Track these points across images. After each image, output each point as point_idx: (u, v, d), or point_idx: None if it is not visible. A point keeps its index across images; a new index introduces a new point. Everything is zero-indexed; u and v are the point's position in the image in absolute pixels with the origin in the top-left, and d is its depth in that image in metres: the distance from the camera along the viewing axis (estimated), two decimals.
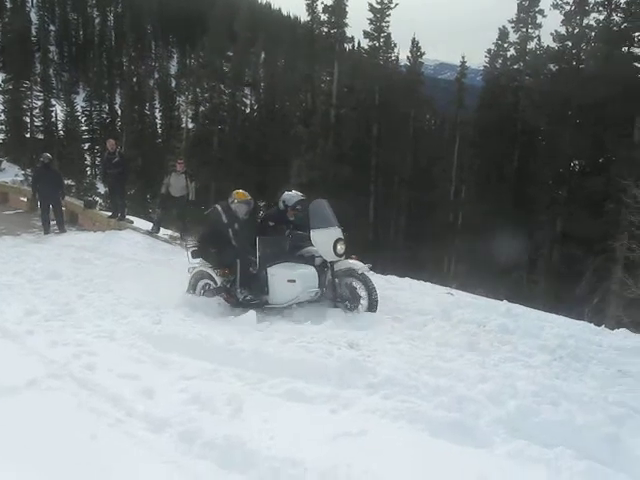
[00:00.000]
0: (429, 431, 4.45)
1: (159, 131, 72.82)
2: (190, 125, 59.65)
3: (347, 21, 45.61)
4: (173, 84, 73.73)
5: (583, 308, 16.78)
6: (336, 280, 9.09)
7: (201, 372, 5.51)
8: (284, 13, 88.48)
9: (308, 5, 49.96)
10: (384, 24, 46.52)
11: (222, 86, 52.08)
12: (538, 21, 43.91)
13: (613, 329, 10.25)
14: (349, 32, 46.66)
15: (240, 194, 9.54)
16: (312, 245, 9.24)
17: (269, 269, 8.98)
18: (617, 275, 25.01)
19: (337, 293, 9.10)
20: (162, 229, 16.73)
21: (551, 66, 42.88)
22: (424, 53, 50.53)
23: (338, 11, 45.06)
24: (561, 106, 38.48)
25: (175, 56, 77.69)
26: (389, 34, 47.05)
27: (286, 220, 9.96)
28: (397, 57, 51.07)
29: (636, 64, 37.62)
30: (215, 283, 9.29)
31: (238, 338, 6.58)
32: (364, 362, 5.91)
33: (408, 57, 50.38)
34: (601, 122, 36.12)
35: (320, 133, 43.96)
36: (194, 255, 9.68)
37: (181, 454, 3.96)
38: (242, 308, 8.77)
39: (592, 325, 10.61)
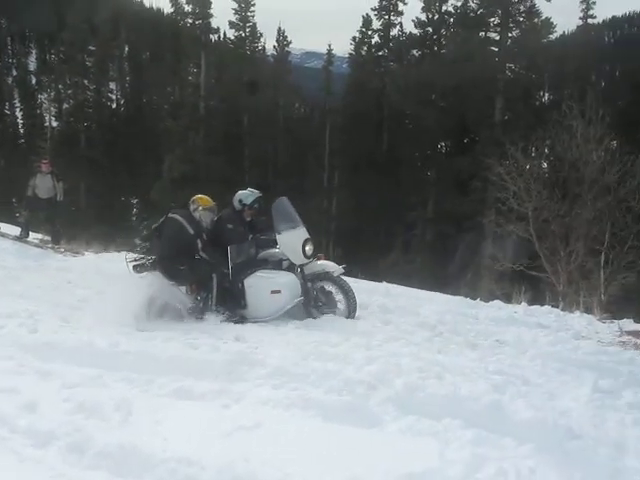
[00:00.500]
0: (322, 416, 4.47)
1: (21, 131, 69.51)
2: (54, 123, 57.13)
3: (212, 12, 45.23)
4: (33, 81, 70.49)
5: (458, 284, 17.43)
6: (309, 284, 8.28)
7: (85, 379, 5.26)
8: (146, 5, 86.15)
9: None
10: (249, 14, 46.48)
11: (86, 82, 50.26)
12: (400, 8, 45.18)
13: (488, 302, 10.71)
14: (214, 23, 46.36)
15: (204, 200, 8.43)
16: (275, 248, 8.46)
17: (245, 281, 8.11)
18: (487, 250, 26.10)
19: (310, 298, 8.27)
20: (32, 233, 15.95)
21: (414, 52, 44.25)
22: (290, 42, 50.94)
23: (202, 2, 44.52)
24: (425, 90, 39.72)
25: (34, 52, 74.20)
26: (255, 24, 47.15)
27: (244, 221, 8.83)
28: (264, 47, 51.11)
29: (493, 48, 39.32)
30: (182, 303, 8.03)
31: (122, 340, 6.35)
32: (252, 354, 5.87)
33: (275, 46, 50.54)
34: (464, 104, 37.53)
35: (190, 126, 43.36)
36: (138, 270, 8.45)
37: (71, 466, 3.77)
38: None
39: (468, 299, 11.05)
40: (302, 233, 8.30)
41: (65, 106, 53.37)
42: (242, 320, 7.90)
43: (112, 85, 57.05)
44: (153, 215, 10.46)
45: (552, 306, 10.87)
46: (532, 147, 23.67)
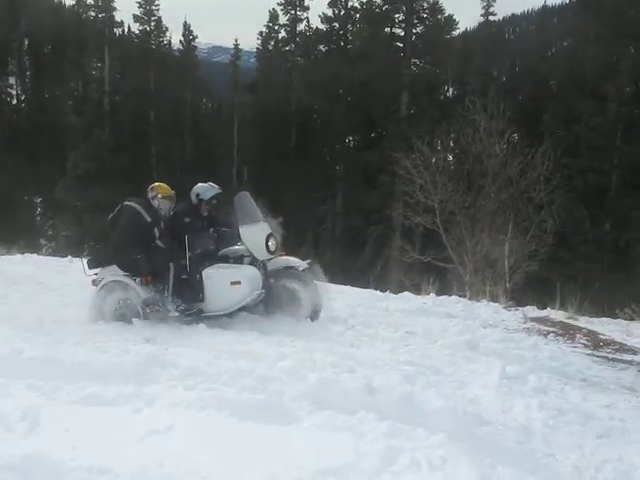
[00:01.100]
0: (236, 416, 4.42)
1: None
2: None
3: (115, 5, 44.24)
4: None
5: (368, 276, 17.61)
6: (271, 281, 7.96)
7: None
8: None
9: None
10: (154, 7, 45.72)
11: None
12: (306, 3, 45.36)
13: (397, 293, 10.89)
14: (118, 16, 45.33)
15: (163, 188, 8.06)
16: (235, 244, 8.12)
17: (204, 272, 7.75)
18: (396, 242, 26.55)
19: (272, 295, 7.98)
20: None
21: (321, 47, 44.44)
22: (197, 36, 50.30)
23: None
24: (332, 85, 40.00)
25: None
26: (160, 17, 46.38)
27: (200, 216, 8.44)
28: (170, 41, 50.28)
29: (397, 43, 39.96)
30: (136, 296, 7.66)
31: (25, 346, 6.11)
32: (163, 355, 5.74)
33: (181, 41, 49.85)
34: (370, 99, 37.99)
35: (95, 122, 42.25)
36: (92, 265, 8.05)
37: None
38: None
39: (378, 292, 11.21)
40: (265, 228, 7.97)
41: None
42: (198, 314, 7.65)
43: (12, 80, 54.92)
44: (58, 214, 10.07)
45: (459, 296, 11.18)
46: (437, 141, 24.24)
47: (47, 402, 4.74)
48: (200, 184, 8.57)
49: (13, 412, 4.43)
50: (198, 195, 8.37)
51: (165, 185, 8.15)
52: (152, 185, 8.09)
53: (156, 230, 7.79)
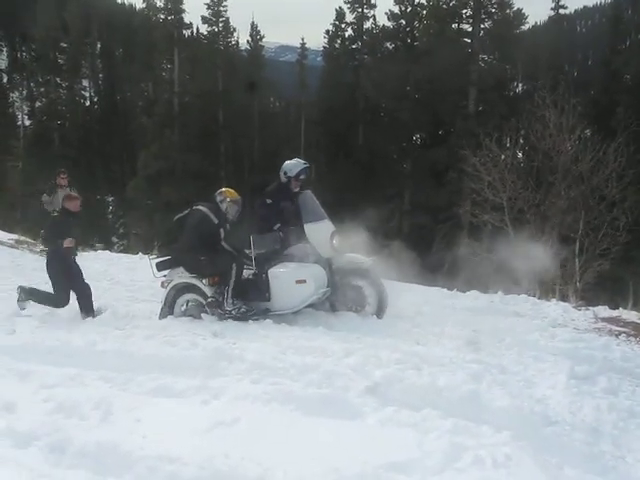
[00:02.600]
0: (301, 410, 4.50)
1: None
2: (27, 122, 56.60)
3: (184, 7, 45.02)
4: (5, 79, 69.55)
5: (435, 274, 17.48)
6: (337, 278, 8.01)
7: (64, 379, 5.23)
8: (118, 1, 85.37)
9: None
10: (222, 8, 46.28)
11: (58, 79, 49.79)
12: (373, 1, 45.13)
13: (465, 292, 10.79)
14: (187, 18, 46.09)
15: (231, 193, 8.20)
16: (301, 242, 8.10)
17: (270, 271, 7.83)
18: (464, 240, 26.23)
19: (337, 293, 8.04)
20: (6, 233, 15.73)
21: (387, 44, 44.24)
22: (264, 36, 50.87)
23: None
24: (399, 82, 39.77)
25: (4, 49, 73.05)
26: (228, 18, 46.96)
27: (289, 194, 8.45)
28: (237, 42, 51.04)
29: (465, 39, 39.45)
30: (203, 297, 7.84)
31: (99, 339, 6.33)
32: (230, 350, 5.87)
33: (248, 41, 50.41)
34: (438, 95, 37.65)
35: (165, 123, 43.11)
36: (161, 267, 8.24)
37: (52, 466, 3.77)
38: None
39: (445, 290, 11.13)
40: (330, 226, 8.05)
41: (37, 104, 52.87)
42: (262, 314, 7.72)
43: (85, 82, 56.49)
44: (129, 212, 10.29)
45: (528, 295, 10.98)
46: (506, 137, 23.80)
47: (119, 393, 4.91)
48: (287, 161, 8.67)
49: (87, 402, 4.60)
50: (285, 173, 8.47)
51: (232, 190, 8.27)
52: (220, 190, 8.22)
53: (222, 231, 7.94)
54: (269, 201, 8.38)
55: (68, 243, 7.92)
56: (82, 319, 7.97)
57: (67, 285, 8.24)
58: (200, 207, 7.98)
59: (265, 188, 8.66)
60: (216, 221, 7.87)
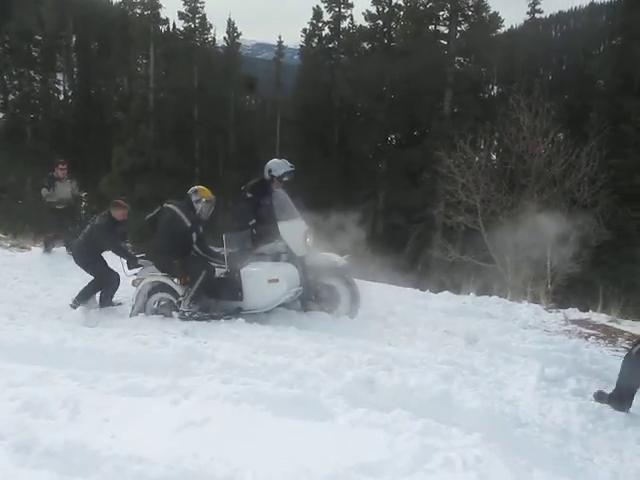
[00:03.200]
0: (272, 410, 4.47)
1: None
2: None
3: (161, 2, 44.69)
4: None
5: (408, 275, 17.54)
6: (309, 277, 7.98)
7: (32, 376, 5.14)
8: None
9: None
10: (199, 5, 46.11)
11: (32, 72, 49.10)
12: (350, 1, 45.12)
13: (437, 292, 10.83)
14: (163, 13, 45.92)
15: (206, 192, 8.03)
16: (273, 240, 8.02)
17: (242, 270, 7.75)
18: (437, 241, 26.38)
19: (310, 292, 8.02)
20: None
21: (364, 44, 44.37)
22: (240, 33, 50.61)
23: None
24: (376, 82, 39.91)
25: None
26: (204, 15, 46.85)
27: (270, 192, 8.28)
28: (214, 38, 50.79)
29: (442, 41, 39.68)
30: (174, 295, 7.78)
31: (69, 337, 6.23)
32: (201, 349, 5.83)
33: (225, 38, 50.20)
34: (414, 97, 37.82)
35: (140, 118, 42.82)
36: (131, 265, 8.21)
37: (17, 466, 3.69)
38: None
39: (418, 290, 11.16)
40: (303, 224, 8.03)
41: (11, 97, 52.09)
42: (233, 313, 7.65)
43: (59, 76, 55.78)
44: (103, 208, 10.15)
45: (500, 296, 11.04)
46: (480, 139, 24.08)
47: (87, 391, 4.84)
48: (274, 159, 8.56)
49: (54, 400, 4.53)
50: (270, 171, 8.33)
51: (206, 189, 8.13)
52: (195, 188, 8.10)
53: (194, 235, 7.84)
54: (249, 195, 8.30)
55: None
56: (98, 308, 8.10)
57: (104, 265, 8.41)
58: (171, 206, 7.87)
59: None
60: (188, 224, 7.75)
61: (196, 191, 7.99)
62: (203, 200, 7.91)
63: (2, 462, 3.74)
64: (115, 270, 8.37)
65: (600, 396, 5.45)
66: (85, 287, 8.30)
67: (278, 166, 8.37)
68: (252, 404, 4.55)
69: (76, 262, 8.47)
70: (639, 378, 5.37)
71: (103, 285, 8.31)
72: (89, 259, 8.34)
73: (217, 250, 8.03)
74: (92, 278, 8.32)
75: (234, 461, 3.69)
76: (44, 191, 12.24)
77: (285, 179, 8.36)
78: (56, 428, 4.14)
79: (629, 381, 5.37)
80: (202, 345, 5.98)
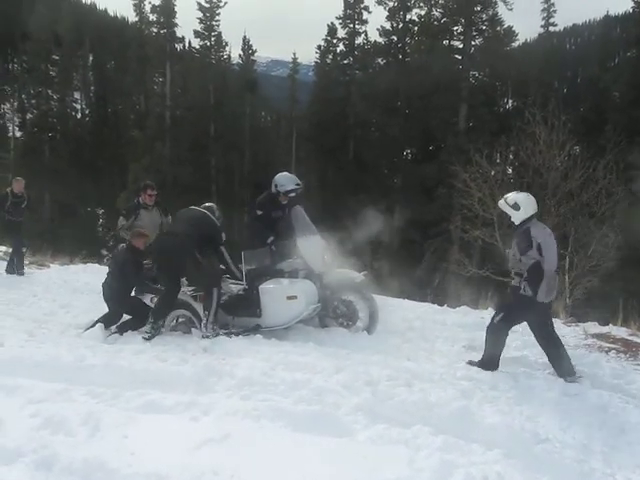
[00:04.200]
0: (291, 426, 4.47)
1: None
2: (18, 134, 56.46)
3: (176, 21, 45.10)
4: None
5: (426, 290, 17.49)
6: (327, 293, 7.95)
7: (52, 394, 5.15)
8: (111, 14, 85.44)
9: (135, 5, 48.98)
10: (214, 23, 46.37)
11: (49, 91, 49.64)
12: (364, 17, 45.34)
13: (455, 307, 10.78)
14: (179, 32, 46.18)
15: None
16: (292, 257, 8.01)
17: (261, 287, 7.71)
18: (454, 256, 26.26)
19: (328, 308, 7.98)
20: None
21: (379, 60, 44.54)
22: (256, 51, 50.88)
23: (167, 11, 44.37)
24: (390, 98, 40.03)
25: None
26: (220, 33, 47.02)
27: (277, 205, 8.36)
28: (229, 56, 51.07)
29: (456, 56, 39.72)
30: (193, 313, 7.66)
31: (88, 354, 6.26)
32: (220, 365, 5.83)
33: (240, 55, 50.50)
34: (428, 111, 37.86)
35: (156, 136, 43.11)
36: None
37: None
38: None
39: (435, 305, 11.12)
40: (321, 241, 8.07)
41: (29, 116, 52.74)
42: (252, 330, 7.56)
43: (76, 95, 56.45)
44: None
45: None
46: (496, 153, 23.92)
47: (107, 408, 4.85)
48: (282, 174, 8.60)
49: (74, 417, 4.54)
50: (276, 186, 8.37)
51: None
52: (209, 204, 8.08)
53: (223, 235, 7.80)
54: (259, 212, 8.37)
55: None
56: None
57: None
58: (207, 213, 7.81)
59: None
60: (218, 223, 7.78)
61: (210, 206, 7.99)
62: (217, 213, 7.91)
63: (23, 479, 3.76)
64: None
65: (471, 363, 6.44)
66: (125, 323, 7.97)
67: (286, 181, 8.43)
68: (271, 420, 4.55)
69: (112, 306, 8.06)
70: (502, 344, 6.44)
71: (142, 320, 7.79)
72: (124, 297, 8.02)
73: (237, 267, 8.02)
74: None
75: (254, 478, 3.69)
76: (121, 221, 9.57)
77: (291, 195, 8.39)
78: (76, 445, 4.15)
79: (494, 348, 6.40)
80: (221, 362, 5.98)
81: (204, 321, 7.38)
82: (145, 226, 9.20)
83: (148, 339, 7.23)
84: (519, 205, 6.44)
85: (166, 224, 9.60)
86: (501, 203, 6.64)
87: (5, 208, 12.85)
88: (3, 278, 12.48)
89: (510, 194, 6.66)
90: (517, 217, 6.46)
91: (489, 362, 6.35)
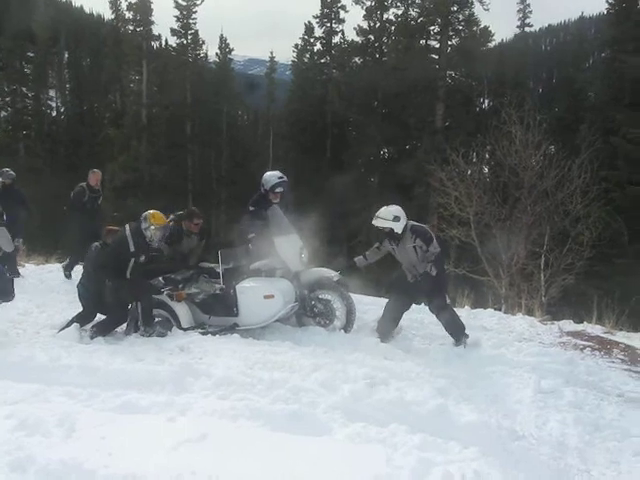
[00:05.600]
0: (269, 426, 4.47)
1: None
2: None
3: (153, 19, 44.67)
4: None
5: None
6: (305, 292, 7.99)
7: (27, 394, 5.11)
8: (86, 11, 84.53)
9: (111, 2, 48.75)
10: (191, 21, 46.09)
11: (24, 89, 49.09)
12: (341, 16, 45.49)
13: None
14: (156, 30, 45.78)
15: (157, 217, 7.68)
16: (269, 256, 7.95)
17: (238, 286, 7.74)
18: None
19: (306, 307, 8.00)
20: None
21: (356, 59, 44.61)
22: (233, 49, 50.69)
23: (143, 8, 43.96)
24: (367, 97, 40.08)
25: None
26: (197, 31, 46.75)
27: (268, 205, 8.29)
28: (206, 54, 50.91)
29: (433, 55, 39.86)
30: (170, 313, 7.68)
31: (63, 354, 6.22)
32: (197, 365, 5.82)
33: (217, 54, 50.32)
34: (405, 111, 37.95)
35: (132, 134, 42.81)
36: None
37: None
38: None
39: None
40: (298, 240, 8.09)
41: (3, 114, 52.06)
42: (229, 330, 7.57)
43: (52, 92, 55.83)
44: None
45: (495, 309, 11.06)
46: (473, 153, 23.98)
47: (83, 409, 4.83)
48: (267, 172, 8.68)
49: (50, 418, 4.52)
50: (263, 185, 8.46)
51: (159, 214, 7.81)
52: (146, 214, 7.78)
53: (131, 262, 7.59)
54: (252, 208, 8.40)
55: None
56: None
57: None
58: (126, 227, 7.79)
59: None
60: (132, 249, 7.56)
61: (146, 217, 7.72)
62: (152, 227, 7.63)
63: None
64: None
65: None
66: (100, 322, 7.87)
67: (269, 177, 8.51)
68: (249, 420, 4.55)
69: (87, 305, 8.01)
70: (458, 319, 7.60)
71: (118, 319, 7.88)
72: (99, 297, 7.87)
73: (212, 266, 8.03)
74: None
75: (232, 478, 3.68)
76: (165, 248, 8.66)
77: (278, 190, 8.45)
78: (52, 446, 4.13)
79: (456, 324, 7.53)
80: (198, 361, 5.98)
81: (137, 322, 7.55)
82: (182, 251, 9.02)
83: (149, 336, 7.32)
84: (399, 216, 7.48)
85: (199, 248, 9.17)
86: (379, 221, 7.54)
87: (82, 205, 12.05)
88: None
89: (381, 211, 7.60)
90: (399, 226, 7.48)
91: (460, 334, 7.49)
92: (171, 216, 8.88)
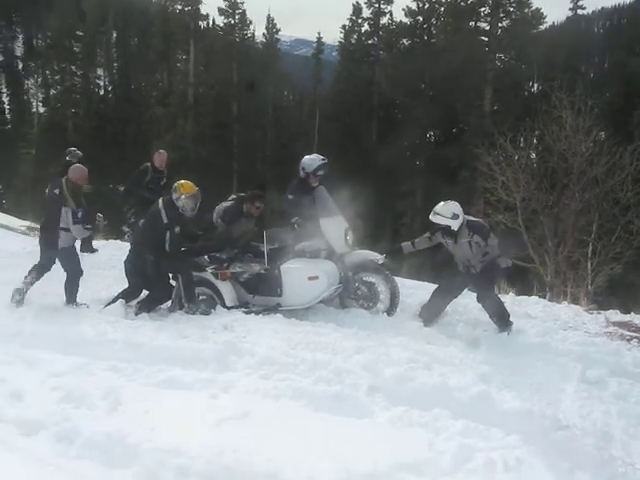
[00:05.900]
0: (311, 406, 4.50)
1: (7, 117, 68.51)
2: (41, 109, 56.72)
3: None
4: (20, 66, 69.51)
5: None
6: (349, 274, 7.99)
7: (73, 368, 5.21)
8: None
9: None
10: (239, 1, 46.14)
11: (73, 67, 49.79)
12: None
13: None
14: (204, 9, 46.11)
15: (187, 187, 7.72)
16: (314, 237, 7.94)
17: (282, 267, 7.78)
18: None
19: (350, 289, 8.02)
20: (17, 220, 15.60)
21: (404, 40, 44.15)
22: (280, 29, 50.65)
23: None
24: (415, 79, 39.69)
25: (20, 37, 72.96)
26: (244, 11, 46.80)
27: (309, 189, 8.25)
28: (253, 34, 50.94)
29: (482, 37, 39.27)
30: (214, 291, 7.81)
31: (109, 329, 6.33)
32: (240, 343, 5.87)
33: (264, 34, 50.29)
34: (453, 93, 37.51)
35: (179, 113, 43.17)
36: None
37: (59, 456, 3.76)
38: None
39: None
40: (343, 221, 8.08)
41: (52, 92, 52.92)
42: (272, 310, 7.62)
43: (100, 71, 56.48)
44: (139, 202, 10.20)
45: (540, 296, 10.91)
46: (521, 137, 23.62)
47: (127, 383, 4.92)
48: (306, 156, 8.57)
49: (95, 391, 4.61)
50: (304, 169, 8.38)
51: (189, 183, 7.83)
52: (176, 184, 7.83)
53: (168, 234, 7.61)
54: (290, 197, 8.32)
55: None
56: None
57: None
58: (159, 200, 7.85)
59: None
60: (165, 220, 7.60)
61: (176, 188, 7.78)
62: (183, 197, 7.67)
63: (45, 451, 3.81)
64: None
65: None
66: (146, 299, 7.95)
67: (310, 161, 8.41)
68: (291, 400, 4.58)
69: (133, 281, 8.07)
70: (503, 306, 7.55)
71: (163, 295, 7.96)
72: (145, 273, 7.90)
73: (257, 245, 8.06)
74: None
75: (274, 457, 3.71)
76: (221, 225, 8.57)
77: (320, 173, 8.40)
78: (97, 419, 4.22)
79: (501, 311, 7.47)
80: (241, 340, 6.03)
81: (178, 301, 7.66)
82: (236, 232, 8.50)
83: (193, 313, 7.41)
84: (458, 214, 7.41)
85: (251, 232, 8.64)
86: (438, 218, 7.45)
87: (144, 184, 11.76)
88: (26, 253, 12.53)
89: (440, 208, 7.50)
90: (457, 224, 7.42)
91: (506, 319, 7.47)
92: (233, 195, 8.97)
